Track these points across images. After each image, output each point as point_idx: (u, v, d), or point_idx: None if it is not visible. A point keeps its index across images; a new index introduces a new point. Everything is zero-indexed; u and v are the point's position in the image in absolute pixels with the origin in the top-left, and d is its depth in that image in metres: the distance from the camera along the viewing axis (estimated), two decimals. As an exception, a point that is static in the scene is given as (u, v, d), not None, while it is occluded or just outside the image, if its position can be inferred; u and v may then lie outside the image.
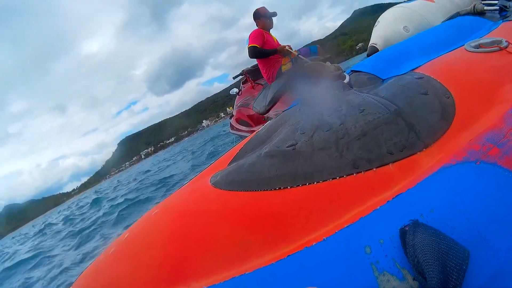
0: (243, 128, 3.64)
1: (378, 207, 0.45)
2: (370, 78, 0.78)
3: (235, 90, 3.99)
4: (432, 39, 0.90)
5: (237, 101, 3.95)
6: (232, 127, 4.14)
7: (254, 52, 2.81)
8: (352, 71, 0.87)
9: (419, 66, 0.73)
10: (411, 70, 0.72)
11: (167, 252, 0.54)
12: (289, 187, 0.54)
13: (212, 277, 0.48)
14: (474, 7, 1.06)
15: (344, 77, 0.81)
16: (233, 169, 0.67)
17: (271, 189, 0.55)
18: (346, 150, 0.52)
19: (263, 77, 3.58)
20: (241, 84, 3.99)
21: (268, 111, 2.94)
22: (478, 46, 0.71)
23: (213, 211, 0.59)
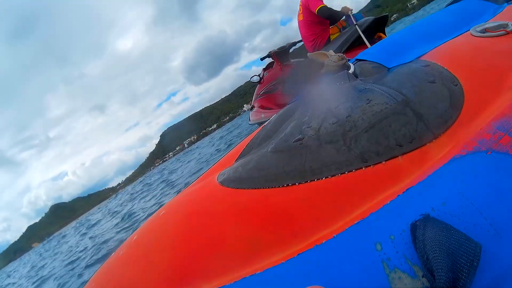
0: (272, 112, 3.25)
1: (388, 202, 0.44)
2: (375, 67, 0.76)
3: (256, 78, 3.67)
4: (437, 24, 0.89)
5: (259, 90, 3.64)
6: (254, 117, 3.72)
7: (326, 11, 2.71)
8: (356, 60, 0.85)
9: (425, 53, 0.71)
10: (417, 58, 0.70)
11: (176, 253, 0.54)
12: (297, 184, 0.53)
13: (222, 278, 0.47)
14: None
15: (349, 67, 0.78)
16: (240, 166, 0.66)
17: (279, 186, 0.54)
18: (354, 143, 0.51)
19: (289, 59, 3.41)
20: (262, 72, 3.70)
21: None
22: (484, 30, 0.69)
23: (221, 210, 0.58)
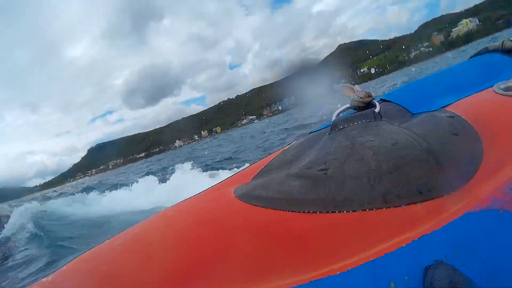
0: None
1: (403, 245, 0.47)
2: (400, 110, 0.79)
3: None
4: (461, 76, 0.93)
5: None
6: None
7: None
8: (381, 99, 0.87)
9: (450, 104, 0.75)
10: (442, 107, 0.73)
11: (181, 256, 0.55)
12: (318, 212, 0.54)
13: None
14: (502, 43, 1.05)
15: (375, 106, 0.79)
16: (260, 184, 0.67)
17: (299, 211, 0.56)
18: (377, 183, 0.53)
19: None
20: None
21: None
22: (507, 88, 0.72)
23: (235, 223, 0.59)
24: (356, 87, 0.86)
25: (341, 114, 0.82)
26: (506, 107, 0.68)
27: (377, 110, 0.76)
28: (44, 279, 0.65)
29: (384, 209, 0.51)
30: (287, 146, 0.89)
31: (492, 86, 0.77)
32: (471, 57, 1.17)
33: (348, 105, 0.83)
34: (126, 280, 0.55)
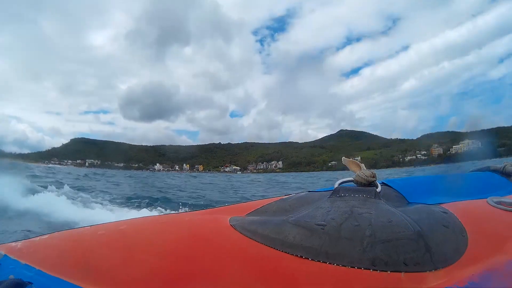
0: None
1: None
2: (398, 196, 0.86)
3: None
4: (462, 183, 1.04)
5: None
6: None
7: None
8: (382, 183, 0.94)
9: (445, 202, 0.82)
10: (437, 204, 0.81)
11: (168, 261, 0.57)
12: (309, 259, 0.59)
13: None
14: (504, 166, 1.19)
15: (377, 186, 0.84)
16: (257, 221, 0.71)
17: (292, 254, 0.60)
18: (369, 248, 0.58)
19: None
20: None
21: None
22: (499, 202, 0.81)
23: (229, 249, 0.62)
24: (363, 165, 0.91)
25: (341, 185, 0.87)
26: (495, 216, 0.76)
27: (378, 190, 0.81)
28: (12, 244, 0.63)
29: (371, 270, 0.55)
30: (285, 196, 0.94)
31: (486, 198, 0.85)
32: (473, 171, 1.29)
33: (351, 179, 0.88)
34: (105, 270, 0.56)
